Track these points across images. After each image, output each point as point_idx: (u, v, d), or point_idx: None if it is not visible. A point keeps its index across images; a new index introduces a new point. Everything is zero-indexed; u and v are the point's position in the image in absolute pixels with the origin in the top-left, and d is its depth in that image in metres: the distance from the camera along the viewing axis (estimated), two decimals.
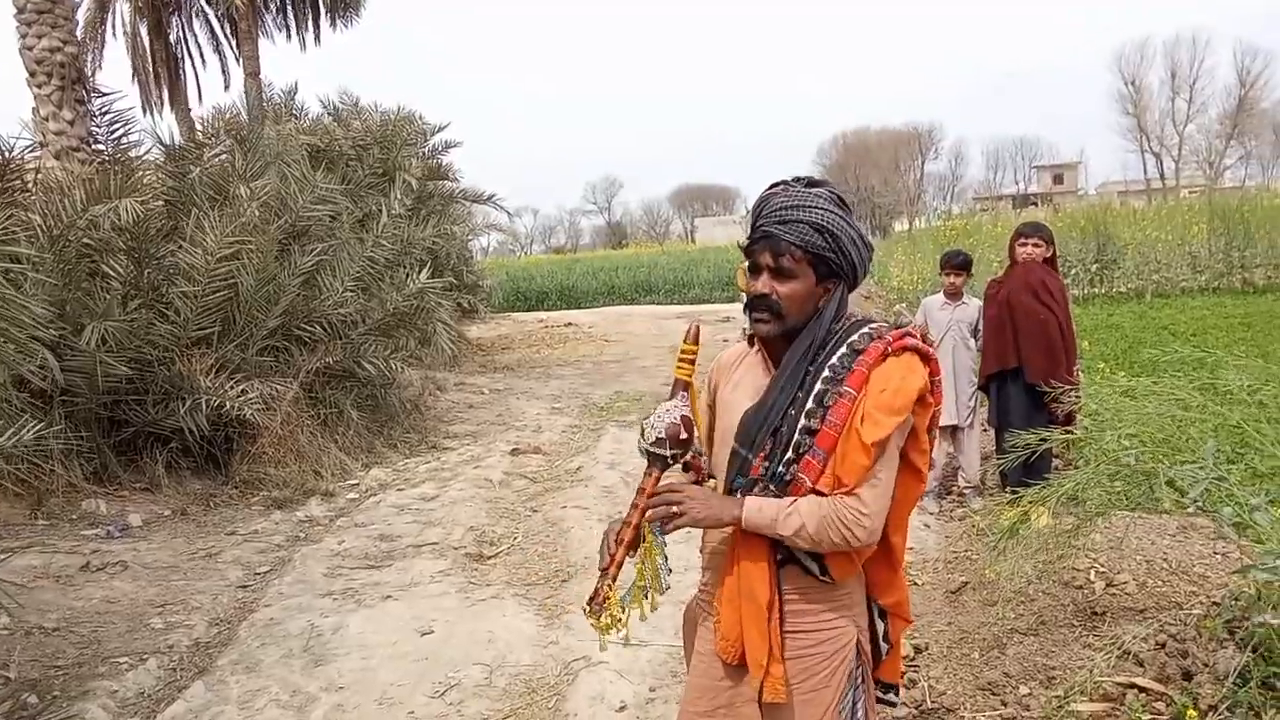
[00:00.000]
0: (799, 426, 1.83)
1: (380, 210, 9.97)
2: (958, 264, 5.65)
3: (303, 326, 8.05)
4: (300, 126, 14.01)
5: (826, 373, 1.84)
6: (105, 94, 8.24)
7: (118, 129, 8.25)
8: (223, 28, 22.47)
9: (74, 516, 6.36)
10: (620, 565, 1.92)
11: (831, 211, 1.86)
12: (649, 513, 1.89)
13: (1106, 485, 3.28)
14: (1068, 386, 4.45)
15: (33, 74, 8.13)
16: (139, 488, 6.95)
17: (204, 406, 6.78)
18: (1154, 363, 8.11)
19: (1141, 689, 3.28)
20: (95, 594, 5.17)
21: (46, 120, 8.00)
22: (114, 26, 21.85)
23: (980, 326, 5.52)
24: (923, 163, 64.91)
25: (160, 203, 7.50)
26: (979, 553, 4.56)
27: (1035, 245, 5.28)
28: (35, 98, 8.13)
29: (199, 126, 9.30)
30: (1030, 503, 3.62)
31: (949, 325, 5.60)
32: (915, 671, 3.63)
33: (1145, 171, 61.14)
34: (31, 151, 7.94)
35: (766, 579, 1.89)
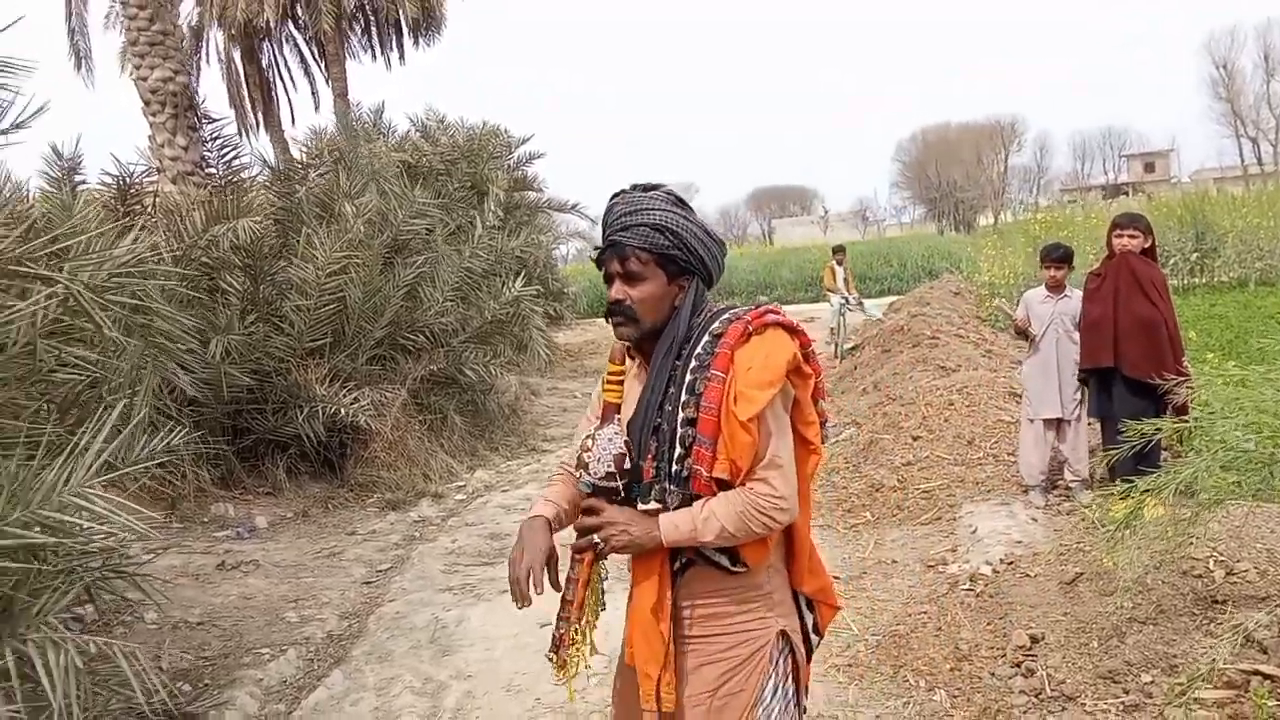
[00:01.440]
0: (679, 420, 1.83)
1: (471, 223, 10.29)
2: (1058, 257, 5.62)
3: (407, 336, 8.36)
4: (390, 144, 14.48)
5: (693, 363, 1.85)
6: (214, 120, 8.71)
7: (227, 153, 8.70)
8: (311, 51, 23.26)
9: (205, 519, 6.74)
10: (581, 607, 1.91)
11: (669, 210, 1.88)
12: (574, 545, 1.89)
13: (1220, 475, 3.26)
14: (1177, 380, 4.39)
15: (147, 103, 8.62)
16: (262, 492, 7.32)
17: (320, 414, 7.12)
18: (1264, 351, 7.90)
19: (1266, 676, 3.25)
20: (232, 590, 5.49)
21: (162, 147, 8.47)
22: (208, 54, 22.84)
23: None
24: (1006, 156, 63.41)
25: (271, 222, 7.88)
26: (1091, 545, 4.54)
27: (1132, 236, 5.21)
28: (151, 125, 8.62)
29: (302, 148, 9.71)
30: (1144, 493, 3.62)
31: (1051, 318, 5.57)
32: (1033, 660, 3.66)
33: (1241, 157, 58.75)
34: (150, 177, 8.42)
35: (655, 583, 1.87)
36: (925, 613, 4.34)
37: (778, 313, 1.91)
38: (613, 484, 1.85)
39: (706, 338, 1.87)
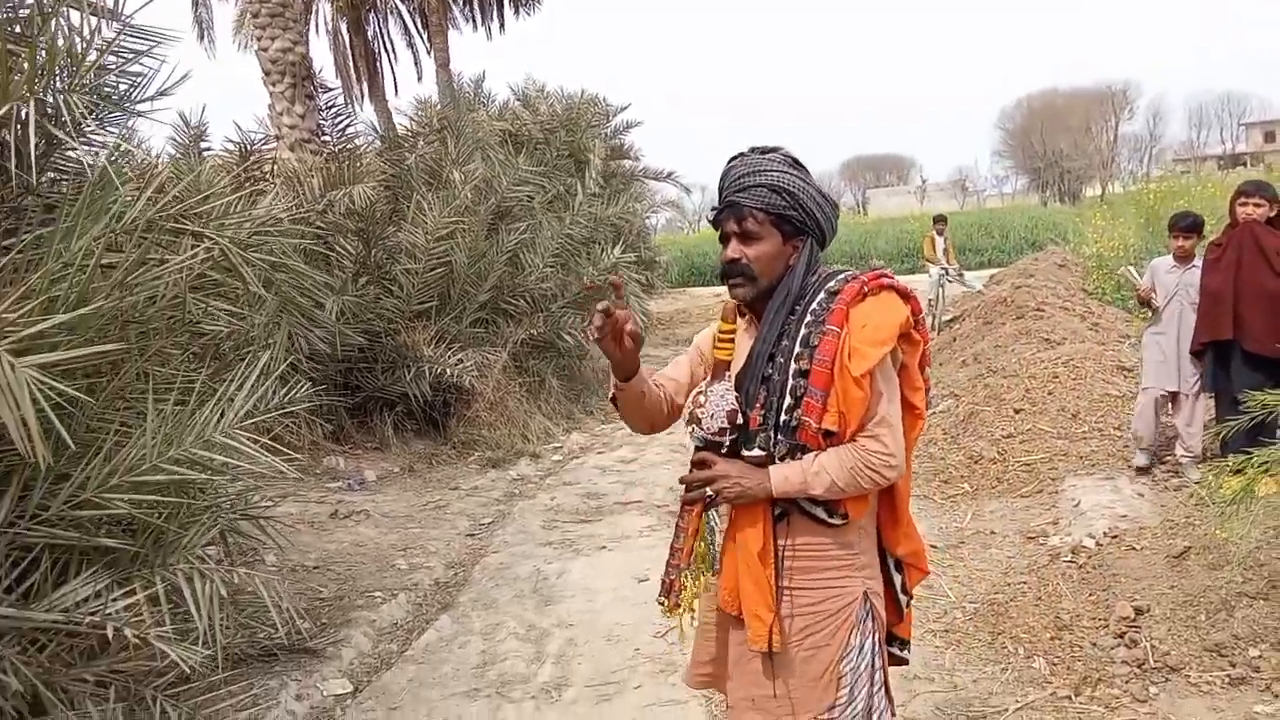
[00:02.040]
0: (791, 371, 1.87)
1: (569, 190, 10.43)
2: (1185, 226, 5.46)
3: (508, 300, 8.58)
4: (490, 113, 14.72)
5: (808, 317, 1.89)
6: (330, 89, 9.01)
7: (341, 121, 9.03)
8: (414, 22, 23.70)
9: (318, 471, 7.09)
10: (690, 554, 1.99)
11: (787, 172, 1.92)
12: (685, 496, 1.96)
13: None
14: None
15: (268, 73, 8.96)
16: (370, 447, 7.65)
17: (427, 374, 7.39)
18: None
19: None
20: (345, 538, 5.79)
21: (281, 115, 8.81)
22: (316, 26, 23.47)
23: None
24: (1116, 123, 60.67)
25: (382, 188, 8.15)
26: (1201, 519, 4.45)
27: (1258, 204, 5.02)
28: (270, 95, 8.96)
29: (410, 117, 9.98)
30: (1260, 468, 3.54)
31: (1177, 288, 5.42)
32: (1137, 632, 3.63)
33: None
34: (268, 144, 8.78)
35: (760, 530, 1.91)
36: (1025, 583, 4.33)
37: (891, 277, 1.94)
38: (723, 439, 1.90)
39: (822, 294, 1.91)
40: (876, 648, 1.99)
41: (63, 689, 2.59)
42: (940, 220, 13.63)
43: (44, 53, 2.92)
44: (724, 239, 1.98)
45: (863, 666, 1.95)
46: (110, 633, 2.34)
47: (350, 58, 23.66)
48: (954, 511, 5.63)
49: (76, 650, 2.64)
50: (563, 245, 8.96)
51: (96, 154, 3.38)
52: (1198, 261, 5.45)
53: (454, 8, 22.65)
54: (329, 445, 7.39)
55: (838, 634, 1.93)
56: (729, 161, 2.01)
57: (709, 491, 1.91)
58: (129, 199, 2.79)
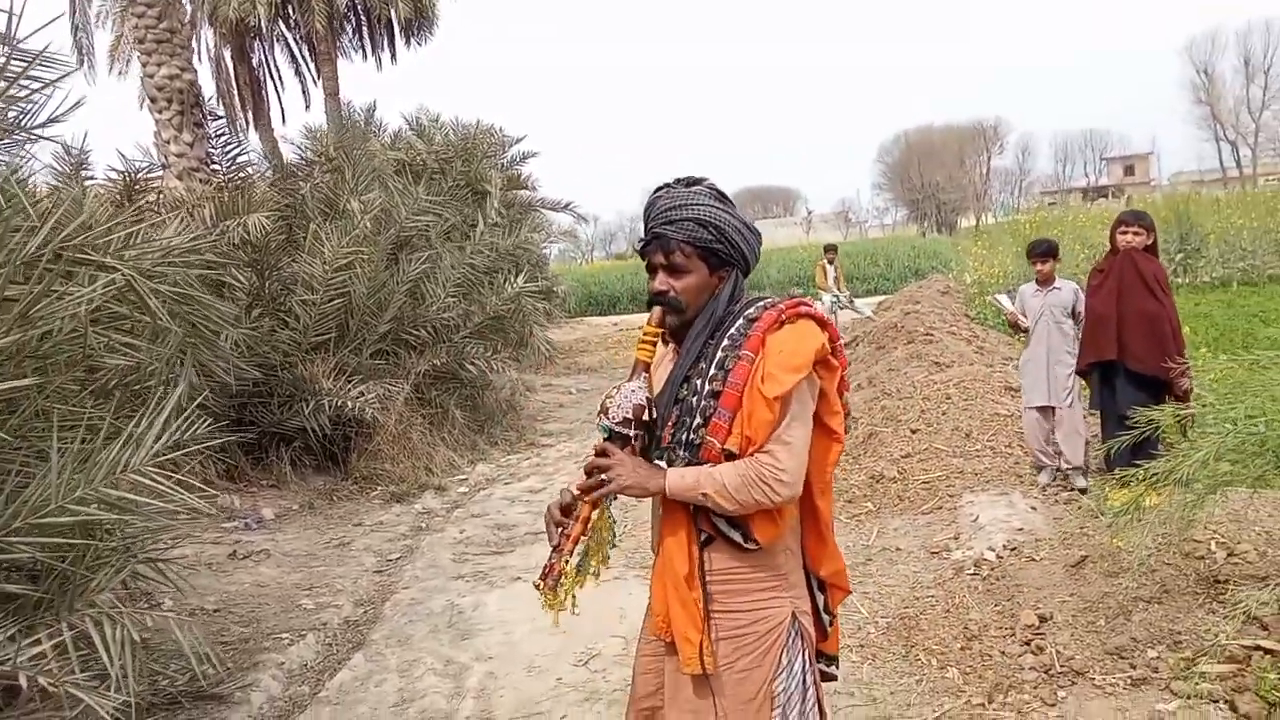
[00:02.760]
0: (704, 392, 1.93)
1: (466, 220, 10.37)
2: (1041, 252, 5.84)
3: (409, 331, 8.44)
4: (383, 143, 14.53)
5: (725, 342, 1.95)
6: (219, 117, 8.75)
7: (231, 149, 8.76)
8: (301, 51, 23.25)
9: (212, 511, 6.79)
10: (576, 541, 1.97)
11: (712, 206, 1.98)
12: (581, 482, 1.97)
13: (1231, 459, 3.41)
14: (1179, 369, 4.55)
15: (154, 100, 8.66)
16: (266, 484, 7.38)
17: (326, 407, 7.19)
18: (1249, 348, 8.10)
19: (1267, 650, 3.41)
20: (246, 579, 5.56)
21: (168, 143, 8.51)
22: (199, 52, 22.77)
23: (1079, 310, 5.65)
24: (988, 158, 63.98)
25: (276, 218, 7.94)
26: (1093, 530, 4.69)
27: (1136, 233, 5.38)
28: (157, 122, 8.66)
29: (303, 146, 9.76)
30: (1146, 482, 3.77)
31: (1042, 310, 5.77)
32: (1042, 639, 3.80)
33: (1221, 161, 59.51)
34: (155, 172, 8.46)
35: (686, 552, 1.96)
36: (933, 596, 4.48)
37: (810, 305, 2.00)
38: (628, 430, 1.95)
39: (741, 320, 1.96)
40: (807, 665, 2.03)
41: None
42: (830, 249, 14.08)
43: None
44: (650, 269, 2.04)
45: (794, 685, 1.99)
46: (24, 682, 2.19)
47: (235, 85, 23.01)
48: (859, 530, 5.78)
49: None
50: (465, 275, 8.87)
51: None
52: (1059, 283, 5.82)
53: (343, 36, 22.34)
54: (222, 483, 7.10)
55: (769, 654, 1.96)
56: (654, 193, 2.06)
57: (603, 478, 1.93)
58: (32, 227, 2.66)
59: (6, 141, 3.51)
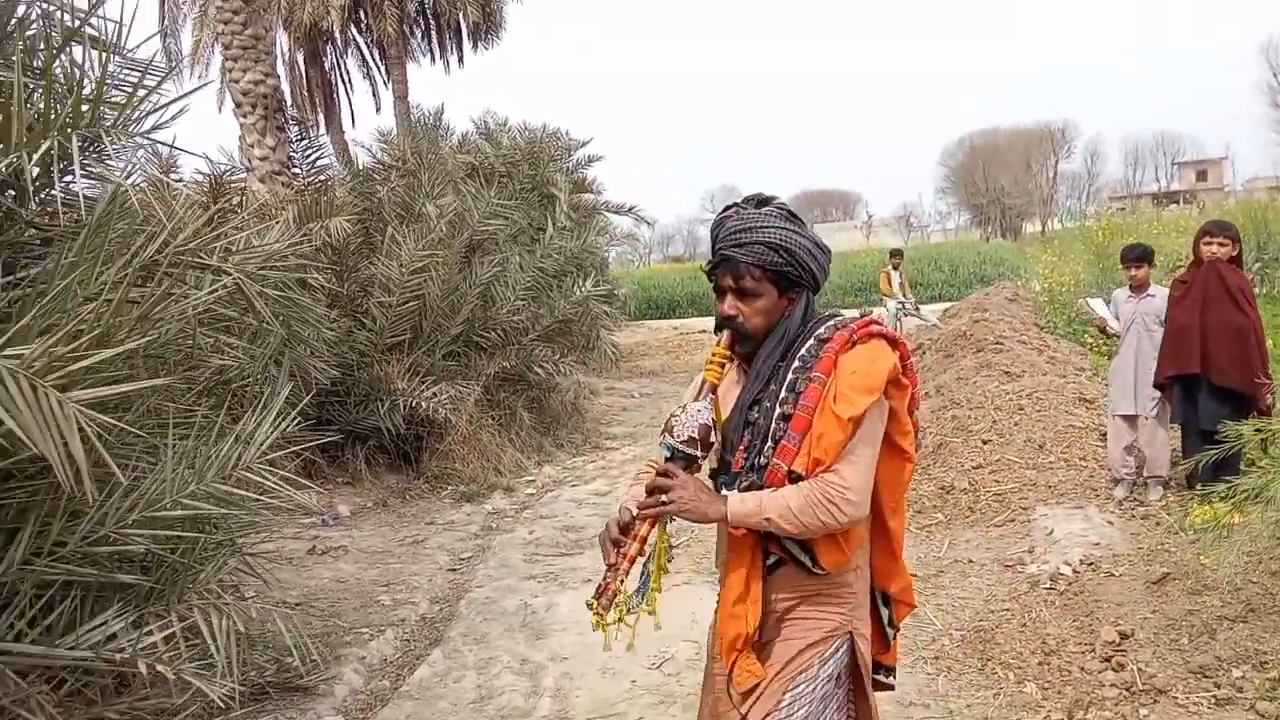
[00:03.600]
0: (775, 415, 1.90)
1: (531, 224, 10.51)
2: (1135, 257, 5.74)
3: (480, 333, 8.59)
4: (451, 146, 14.76)
5: (797, 364, 1.92)
6: (300, 122, 8.99)
7: (312, 154, 9.01)
8: (372, 55, 23.75)
9: (290, 507, 6.98)
10: (633, 561, 1.92)
11: (782, 228, 1.93)
12: (641, 500, 1.93)
13: None
14: (1266, 384, 4.46)
15: (238, 104, 8.94)
16: (342, 482, 7.58)
17: (401, 407, 7.35)
18: None
19: None
20: (325, 574, 5.73)
21: (252, 147, 8.78)
22: (273, 56, 23.37)
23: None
24: (1055, 162, 62.65)
25: (355, 221, 8.14)
26: (1175, 546, 4.62)
27: (1221, 244, 5.28)
28: (241, 126, 8.94)
29: (379, 148, 9.99)
30: (1229, 498, 3.71)
31: (1134, 316, 5.69)
32: (1123, 655, 3.76)
33: None
34: (238, 175, 8.73)
35: (744, 579, 1.95)
36: (1008, 610, 4.45)
37: (881, 324, 1.98)
38: (692, 450, 1.91)
39: (812, 341, 1.94)
40: (836, 686, 2.00)
41: None
42: (896, 254, 13.96)
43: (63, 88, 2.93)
44: (719, 291, 2.00)
45: (817, 692, 1.97)
46: (143, 669, 2.32)
47: (307, 89, 23.58)
48: (930, 541, 5.75)
49: (95, 688, 2.60)
50: (534, 278, 9.00)
51: (98, 187, 3.37)
52: (1153, 290, 5.72)
53: (412, 40, 22.76)
54: (300, 481, 7.28)
55: (804, 654, 1.97)
56: (723, 212, 2.03)
57: (664, 499, 1.89)
58: (152, 233, 2.80)
59: (118, 146, 3.68)
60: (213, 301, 3.25)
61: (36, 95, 2.92)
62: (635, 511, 1.94)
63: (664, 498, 1.89)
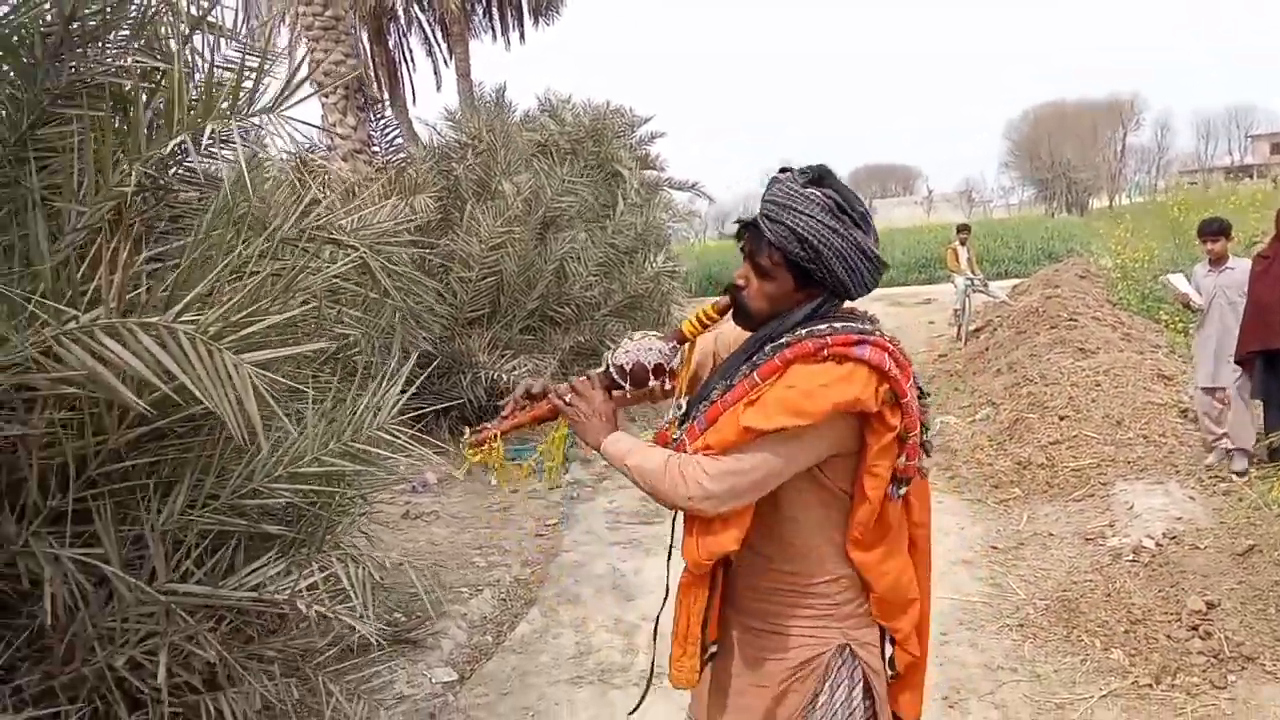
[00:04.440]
0: (707, 400, 1.78)
1: (598, 200, 10.67)
2: (1212, 230, 5.75)
3: (555, 308, 8.78)
4: (514, 122, 14.94)
5: (751, 361, 1.75)
6: (379, 101, 9.22)
7: (389, 132, 9.25)
8: (434, 33, 24.00)
9: (380, 474, 7.27)
10: (515, 427, 2.00)
11: (818, 221, 1.67)
12: (555, 389, 1.94)
13: None
14: None
15: (320, 85, 9.18)
16: (429, 450, 7.84)
17: (483, 379, 7.58)
18: None
19: None
20: (420, 537, 5.98)
21: (334, 126, 9.03)
22: None
23: None
24: (1124, 135, 61.06)
25: (434, 198, 8.36)
26: (1260, 520, 4.65)
27: None
28: (323, 106, 9.19)
29: (450, 127, 10.18)
30: None
31: (1214, 291, 5.70)
32: (1209, 624, 3.82)
33: None
34: (321, 153, 9.01)
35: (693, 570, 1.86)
36: (1091, 581, 4.52)
37: (883, 348, 1.69)
38: (619, 379, 1.91)
39: (781, 342, 1.73)
40: (859, 697, 1.85)
41: (240, 664, 2.79)
42: (963, 230, 13.80)
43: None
44: (743, 254, 1.80)
45: (835, 716, 1.84)
46: (303, 609, 2.53)
47: (372, 67, 23.92)
48: (1008, 515, 5.82)
49: (253, 628, 2.83)
50: (606, 254, 9.16)
51: (220, 166, 3.59)
52: (1232, 263, 5.71)
53: (474, 17, 22.95)
54: (431, 440, 7.58)
55: (805, 683, 1.83)
56: (775, 174, 1.79)
57: (567, 400, 1.91)
58: (289, 210, 3.00)
59: (240, 127, 3.89)
60: (337, 275, 3.45)
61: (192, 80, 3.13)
62: (549, 392, 1.96)
63: (568, 398, 1.91)
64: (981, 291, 13.20)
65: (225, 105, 3.07)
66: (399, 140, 9.20)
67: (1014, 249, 24.11)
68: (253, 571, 2.66)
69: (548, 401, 1.96)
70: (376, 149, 9.21)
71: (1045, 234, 25.46)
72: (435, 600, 4.82)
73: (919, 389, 1.79)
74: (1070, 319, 9.55)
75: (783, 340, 1.72)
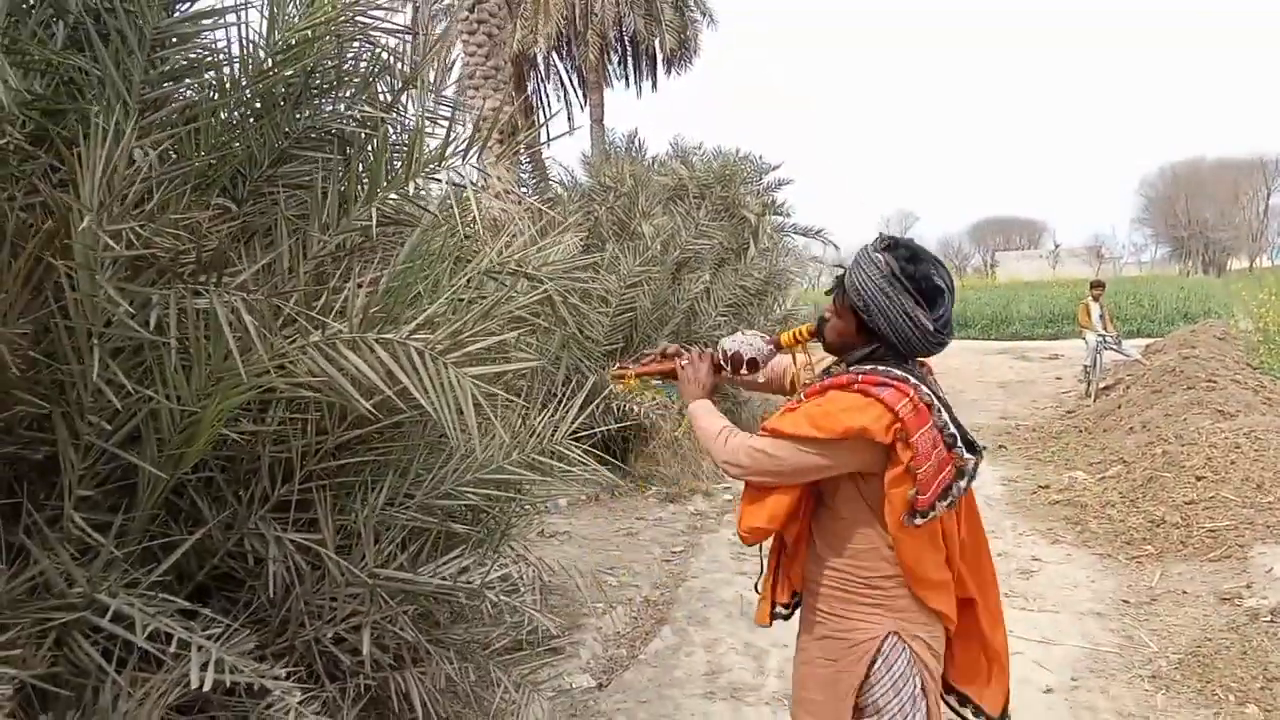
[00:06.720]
0: None
1: (724, 244, 11.01)
2: None
3: (684, 346, 9.07)
4: (646, 167, 15.45)
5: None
6: (529, 147, 9.80)
7: (536, 176, 9.80)
8: (571, 80, 24.97)
9: (596, 481, 7.68)
10: (648, 373, 2.58)
11: (873, 281, 2.01)
12: (671, 350, 2.54)
13: None
14: None
15: (477, 128, 9.83)
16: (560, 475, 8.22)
17: (615, 410, 7.93)
18: None
19: None
20: (552, 555, 6.30)
21: (491, 166, 9.63)
22: None
23: None
24: (1268, 194, 58.24)
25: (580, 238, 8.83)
26: None
27: None
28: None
29: (598, 170, 10.70)
30: None
31: None
32: None
33: None
34: (473, 192, 9.60)
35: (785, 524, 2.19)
36: (1226, 639, 4.50)
37: (903, 393, 1.98)
38: (721, 361, 2.45)
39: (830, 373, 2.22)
40: (918, 689, 2.09)
41: (425, 649, 3.14)
42: (1097, 286, 13.59)
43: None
44: None
45: (893, 703, 2.08)
46: (492, 598, 2.86)
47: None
48: (1140, 571, 5.79)
49: (440, 615, 3.18)
50: (737, 295, 9.46)
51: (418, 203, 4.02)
52: None
53: (609, 67, 23.81)
54: (605, 456, 8.00)
55: (860, 662, 2.09)
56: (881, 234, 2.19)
57: (681, 362, 2.49)
58: (487, 246, 3.39)
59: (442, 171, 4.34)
60: (520, 306, 3.83)
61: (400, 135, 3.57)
62: (680, 352, 2.52)
63: (681, 361, 2.48)
64: (1114, 349, 12.94)
65: (435, 150, 3.51)
66: (541, 183, 9.73)
67: (1147, 308, 23.37)
68: (446, 563, 3.01)
69: (672, 361, 2.53)
70: (524, 189, 9.76)
71: (1181, 294, 24.60)
72: (580, 607, 5.14)
73: (969, 442, 2.06)
74: (1209, 380, 9.34)
75: (834, 370, 2.19)
